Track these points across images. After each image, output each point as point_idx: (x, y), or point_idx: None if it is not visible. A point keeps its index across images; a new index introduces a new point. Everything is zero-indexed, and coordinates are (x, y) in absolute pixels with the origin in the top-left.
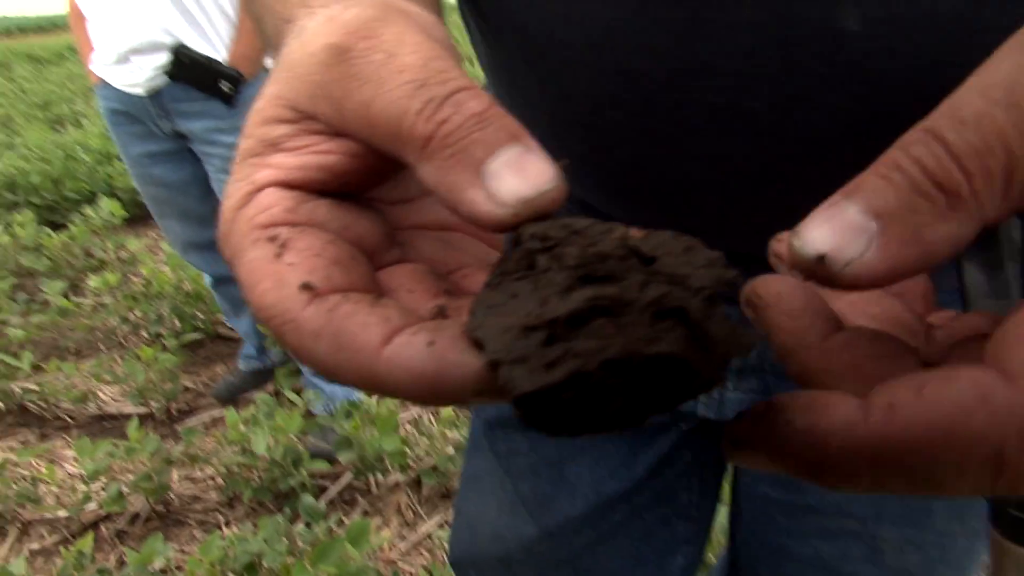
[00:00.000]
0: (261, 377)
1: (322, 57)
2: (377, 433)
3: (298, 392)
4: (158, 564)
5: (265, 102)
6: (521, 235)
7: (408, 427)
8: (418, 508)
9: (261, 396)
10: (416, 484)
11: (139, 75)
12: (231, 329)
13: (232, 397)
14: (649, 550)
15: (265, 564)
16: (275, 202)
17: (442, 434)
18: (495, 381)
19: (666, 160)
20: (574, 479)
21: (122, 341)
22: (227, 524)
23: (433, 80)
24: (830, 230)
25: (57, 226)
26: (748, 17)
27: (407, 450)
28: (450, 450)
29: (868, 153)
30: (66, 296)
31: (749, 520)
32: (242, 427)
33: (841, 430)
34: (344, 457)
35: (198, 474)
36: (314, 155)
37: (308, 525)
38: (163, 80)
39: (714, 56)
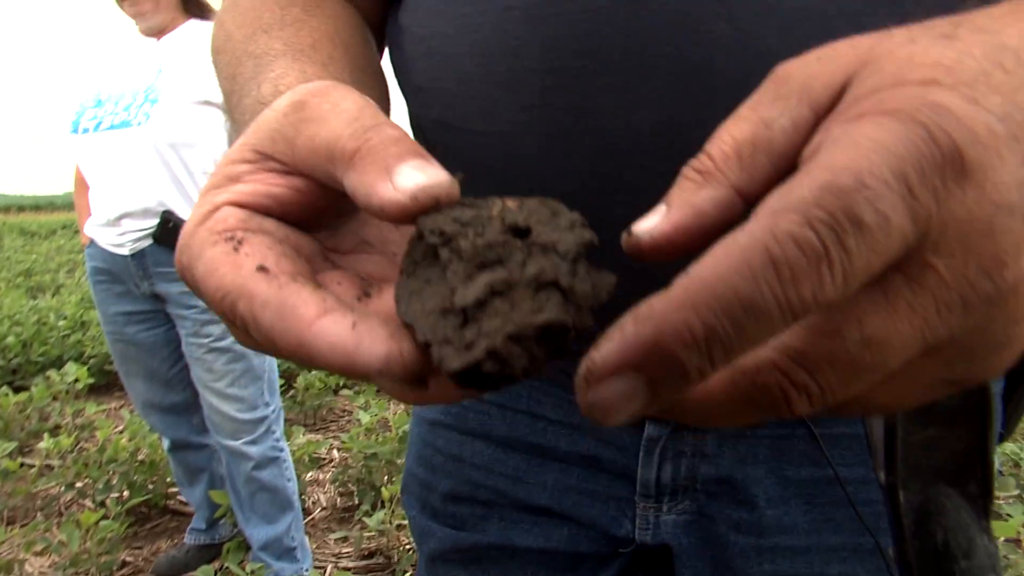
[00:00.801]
0: (207, 553)
1: (285, 110)
2: None
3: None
4: None
5: (234, 150)
6: (422, 230)
7: None
8: None
9: (203, 568)
10: None
11: (126, 236)
12: (183, 503)
13: (174, 573)
14: None
15: None
16: (231, 215)
17: None
18: (420, 362)
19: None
20: None
21: (62, 509)
22: None
23: (365, 116)
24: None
25: (19, 388)
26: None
27: None
28: None
29: None
30: (12, 457)
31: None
32: None
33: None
34: None
35: None
36: (266, 186)
37: None
38: (147, 242)
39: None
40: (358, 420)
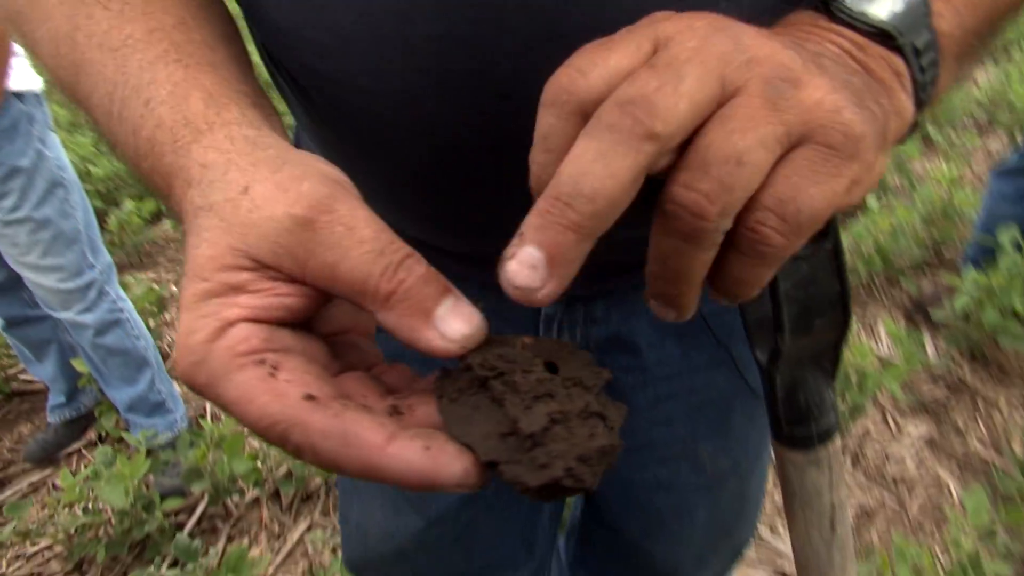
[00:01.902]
0: (77, 426)
1: (287, 224)
2: (225, 457)
3: (125, 431)
4: None
5: (221, 251)
6: (470, 363)
7: (254, 442)
8: (282, 518)
9: (100, 450)
10: (275, 495)
11: None
12: (28, 383)
13: (49, 456)
14: (519, 511)
15: None
16: (251, 334)
17: None
18: (485, 475)
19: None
20: None
21: None
22: None
23: (388, 250)
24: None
25: None
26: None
27: (259, 464)
28: None
29: None
30: None
31: None
32: (79, 485)
33: None
34: (197, 488)
35: (30, 549)
36: (276, 297)
37: (182, 566)
38: None
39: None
40: None
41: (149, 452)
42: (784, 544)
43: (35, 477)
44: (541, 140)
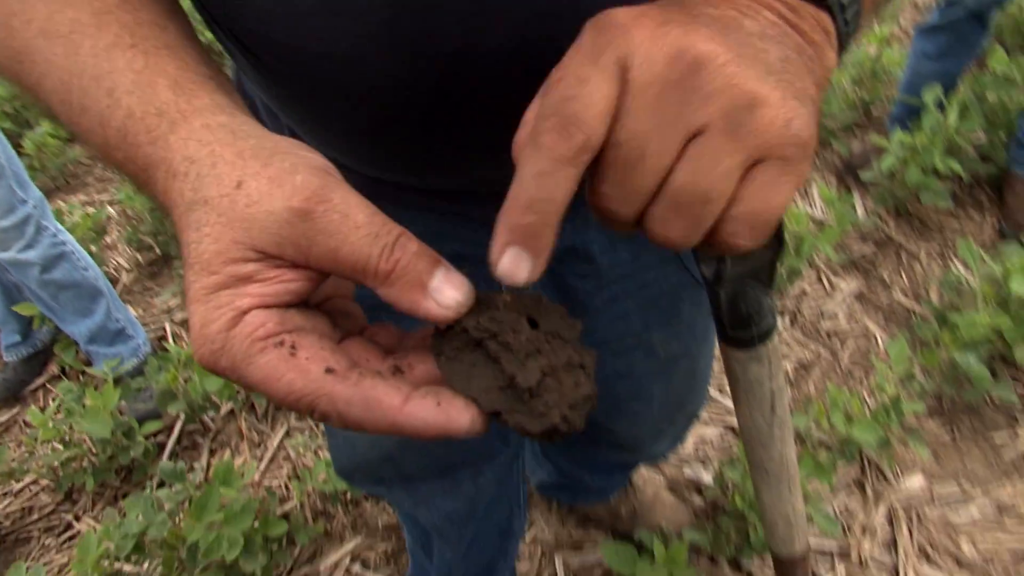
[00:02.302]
0: (36, 361)
1: (287, 217)
2: (196, 376)
3: (87, 363)
4: None
5: (226, 245)
6: (466, 326)
7: None
8: (260, 427)
9: (63, 385)
10: (249, 406)
11: None
12: None
13: (13, 394)
14: None
15: (152, 537)
16: (265, 319)
17: None
18: (488, 423)
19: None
20: None
21: None
22: (77, 519)
23: (382, 232)
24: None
25: None
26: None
27: None
28: None
29: None
30: None
31: None
32: (52, 420)
33: None
34: (173, 409)
35: (15, 486)
36: (282, 283)
37: (170, 486)
38: None
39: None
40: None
41: (117, 381)
42: (732, 402)
43: (3, 416)
44: (535, 182)
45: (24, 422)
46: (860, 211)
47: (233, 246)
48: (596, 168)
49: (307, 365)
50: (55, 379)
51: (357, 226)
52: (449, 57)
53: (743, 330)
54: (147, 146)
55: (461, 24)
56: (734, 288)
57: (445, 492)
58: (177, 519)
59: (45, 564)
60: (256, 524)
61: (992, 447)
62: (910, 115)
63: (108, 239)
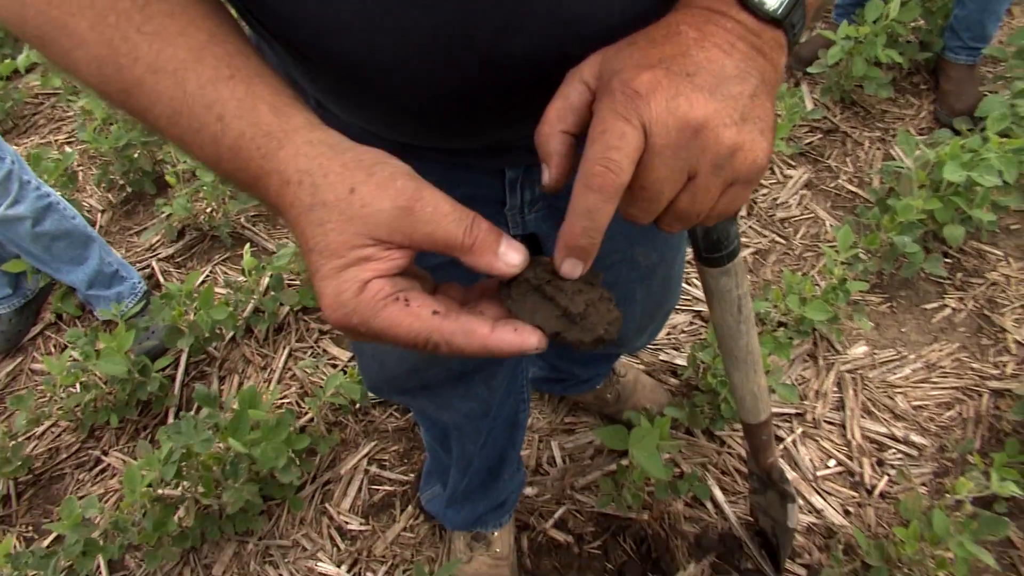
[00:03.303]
0: (30, 310)
1: (395, 213)
2: (200, 310)
3: (81, 308)
4: (91, 515)
5: (349, 236)
6: (527, 277)
7: (220, 290)
8: (263, 351)
9: (72, 332)
10: (248, 331)
11: None
12: None
13: (13, 344)
14: None
15: (191, 460)
16: (384, 284)
17: (256, 282)
18: (553, 341)
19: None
20: None
21: None
22: (105, 454)
23: (463, 217)
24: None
25: None
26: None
27: (231, 309)
28: (264, 284)
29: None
30: None
31: None
32: (68, 363)
33: None
34: (182, 344)
35: (37, 429)
36: (392, 260)
37: (197, 410)
38: None
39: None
40: (87, 113)
41: (124, 322)
42: (700, 291)
43: (8, 367)
44: (587, 215)
45: (31, 370)
46: (809, 103)
47: (354, 236)
48: (631, 193)
49: (419, 311)
50: (52, 327)
51: (445, 215)
52: (478, 64)
53: (715, 252)
54: (258, 160)
55: (488, 39)
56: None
57: (463, 396)
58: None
59: (82, 497)
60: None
61: (924, 315)
62: (854, 6)
63: (79, 184)
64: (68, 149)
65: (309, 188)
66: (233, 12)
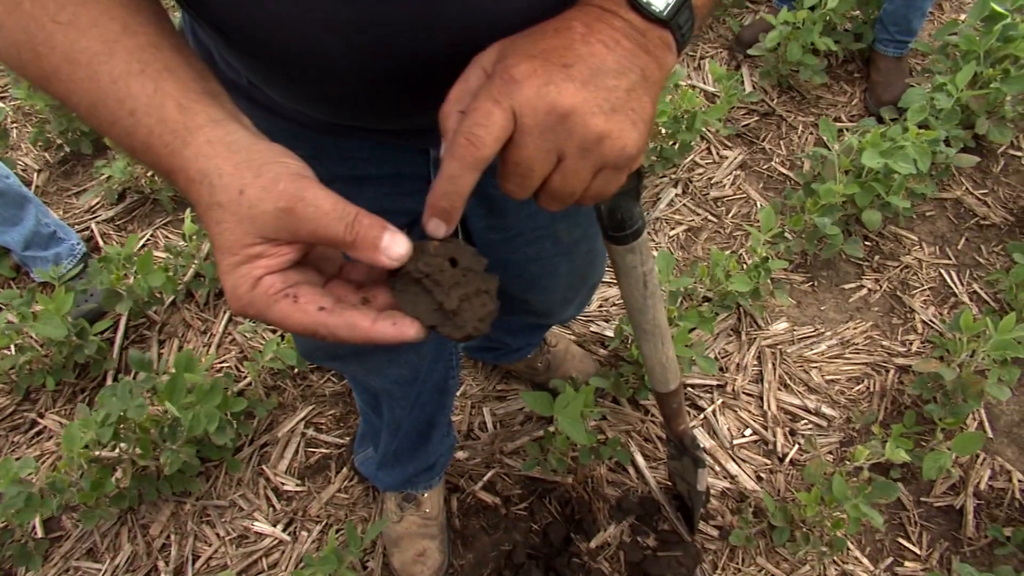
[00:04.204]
0: None
1: (277, 214)
2: (139, 275)
3: (16, 270)
4: (28, 475)
5: (240, 236)
6: (408, 270)
7: (159, 254)
8: (203, 315)
9: (5, 293)
10: (189, 296)
11: None
12: None
13: None
14: None
15: (132, 418)
16: (274, 280)
17: (196, 247)
18: (430, 333)
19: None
20: None
21: None
22: (41, 416)
23: (344, 214)
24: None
25: None
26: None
27: (170, 274)
28: (205, 251)
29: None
30: None
31: (480, 248)
32: (3, 325)
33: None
34: (120, 308)
35: None
36: (281, 256)
37: (134, 375)
38: None
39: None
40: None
41: (62, 284)
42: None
43: None
44: (449, 180)
45: None
46: (748, 85)
47: (244, 236)
48: (502, 171)
49: (306, 307)
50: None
51: (325, 213)
52: (402, 56)
53: (619, 231)
54: (167, 157)
55: (412, 34)
56: (611, 202)
57: (391, 362)
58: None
59: (17, 459)
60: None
61: (843, 294)
62: None
63: (12, 142)
64: (1, 105)
65: (208, 188)
66: None
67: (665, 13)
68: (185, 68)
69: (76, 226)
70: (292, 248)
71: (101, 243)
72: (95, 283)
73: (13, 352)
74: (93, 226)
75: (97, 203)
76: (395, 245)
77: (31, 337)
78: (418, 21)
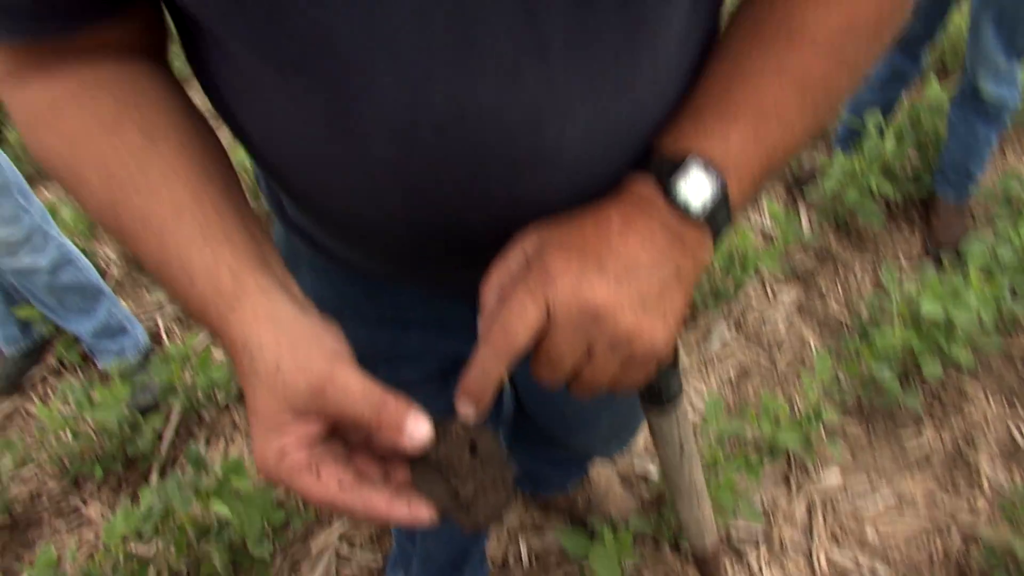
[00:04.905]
0: (33, 354)
1: (309, 393)
2: (196, 370)
3: (83, 357)
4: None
5: (274, 408)
6: (429, 456)
7: (217, 354)
8: None
9: (67, 384)
10: (240, 399)
11: None
12: None
13: (13, 384)
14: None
15: (177, 510)
16: (300, 453)
17: None
18: (443, 520)
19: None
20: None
21: None
22: (84, 504)
23: (372, 398)
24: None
25: None
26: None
27: (225, 375)
28: None
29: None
30: None
31: (521, 392)
32: (62, 410)
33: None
34: (174, 403)
35: (25, 474)
36: (309, 429)
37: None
38: None
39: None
40: None
41: (122, 376)
42: None
43: (5, 405)
44: (482, 368)
45: (25, 411)
46: (805, 223)
47: (277, 407)
48: (534, 360)
49: (327, 481)
50: (54, 372)
51: (354, 395)
52: (447, 229)
53: (656, 398)
54: (216, 321)
55: (458, 213)
56: None
57: None
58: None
59: (56, 546)
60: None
61: (900, 446)
62: (854, 135)
63: (99, 236)
64: None
65: (248, 358)
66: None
67: (701, 215)
68: (243, 234)
69: (143, 317)
70: (319, 423)
71: (165, 337)
72: (154, 377)
73: (70, 438)
74: (159, 319)
75: (165, 299)
76: (418, 431)
77: (87, 424)
78: (465, 200)
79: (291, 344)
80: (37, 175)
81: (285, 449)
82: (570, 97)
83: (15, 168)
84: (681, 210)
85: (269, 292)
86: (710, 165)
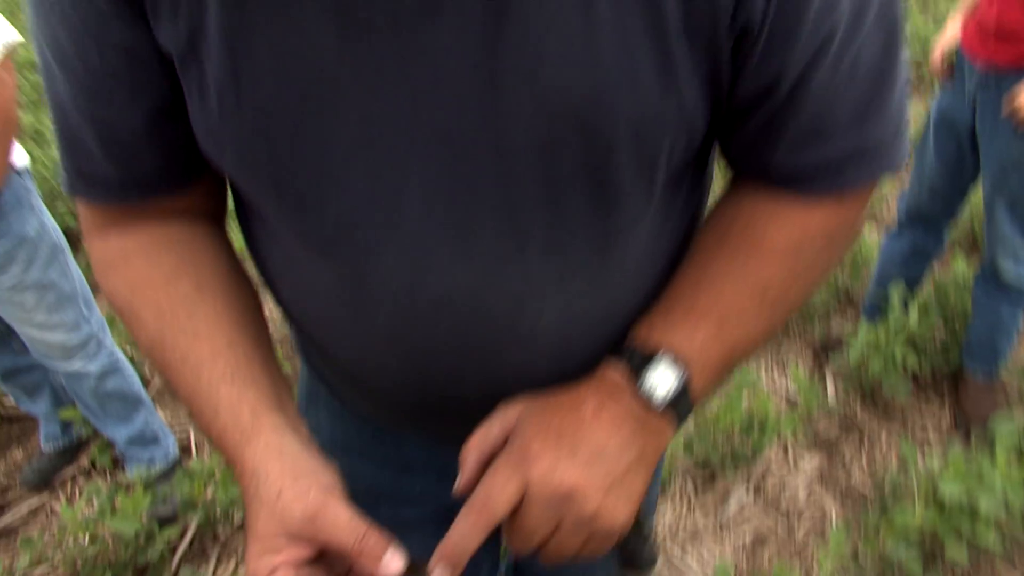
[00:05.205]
0: (69, 453)
1: (303, 520)
2: (217, 488)
3: (114, 461)
4: None
5: (271, 530)
6: None
7: None
8: None
9: (94, 486)
10: None
11: None
12: (14, 408)
13: (45, 481)
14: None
15: None
16: (289, 573)
17: None
18: None
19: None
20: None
21: None
22: None
23: (356, 530)
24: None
25: None
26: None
27: None
28: None
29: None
30: None
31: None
32: (85, 512)
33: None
34: (194, 519)
35: (37, 572)
36: (300, 551)
37: None
38: None
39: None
40: None
41: (146, 485)
42: (692, 562)
43: (33, 500)
44: (460, 536)
45: (51, 508)
46: (831, 390)
47: (273, 529)
48: (507, 529)
49: None
50: (85, 473)
51: (341, 527)
52: (439, 395)
53: (630, 563)
54: (232, 449)
55: (449, 383)
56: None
57: None
58: None
59: None
60: None
61: None
62: (881, 307)
63: None
64: None
65: (254, 484)
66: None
67: (662, 407)
68: (265, 379)
69: (177, 428)
70: (309, 546)
71: (194, 449)
72: (176, 491)
73: (86, 541)
74: (191, 432)
75: None
76: (392, 564)
77: (105, 529)
78: (454, 370)
79: (293, 476)
80: None
81: (277, 568)
82: (545, 289)
83: (83, 278)
84: (646, 400)
85: (281, 431)
86: (678, 359)
